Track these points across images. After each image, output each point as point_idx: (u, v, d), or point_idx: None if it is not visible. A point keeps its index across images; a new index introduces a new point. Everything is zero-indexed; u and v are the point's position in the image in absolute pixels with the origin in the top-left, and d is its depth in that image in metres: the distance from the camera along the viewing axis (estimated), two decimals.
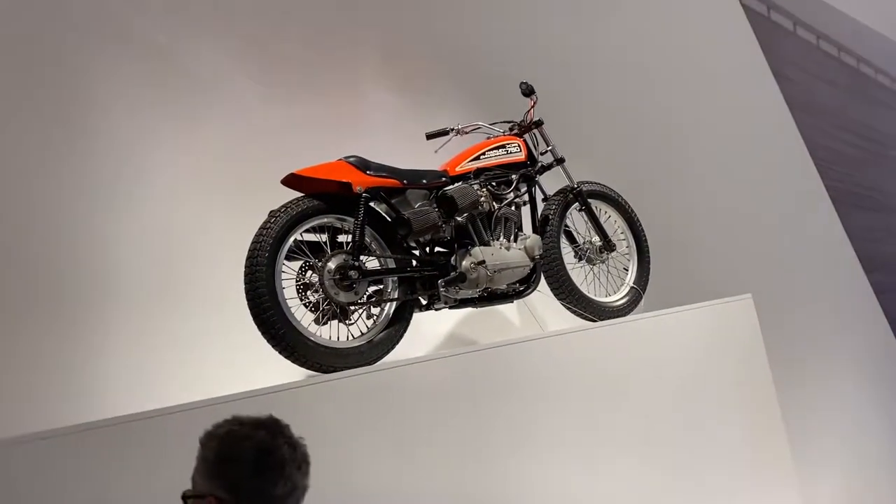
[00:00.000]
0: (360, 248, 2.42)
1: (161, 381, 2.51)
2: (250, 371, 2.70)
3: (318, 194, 2.44)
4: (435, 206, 2.66)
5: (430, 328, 3.14)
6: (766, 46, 6.21)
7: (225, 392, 2.55)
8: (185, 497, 1.30)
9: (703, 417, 3.11)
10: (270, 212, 2.39)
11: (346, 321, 2.46)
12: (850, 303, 5.95)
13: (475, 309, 3.05)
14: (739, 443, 3.21)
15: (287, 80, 3.19)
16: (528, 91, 3.10)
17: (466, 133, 3.18)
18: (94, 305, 2.45)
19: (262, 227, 2.30)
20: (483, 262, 2.64)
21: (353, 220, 2.47)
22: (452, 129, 3.15)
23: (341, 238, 2.53)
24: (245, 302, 2.26)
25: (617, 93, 4.67)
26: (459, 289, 2.62)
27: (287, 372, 2.57)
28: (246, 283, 2.25)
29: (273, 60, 3.18)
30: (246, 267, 2.26)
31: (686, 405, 3.07)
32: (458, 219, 2.69)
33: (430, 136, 3.19)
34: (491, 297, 2.79)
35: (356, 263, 2.39)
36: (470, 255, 2.68)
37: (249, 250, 2.28)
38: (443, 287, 2.60)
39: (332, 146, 3.14)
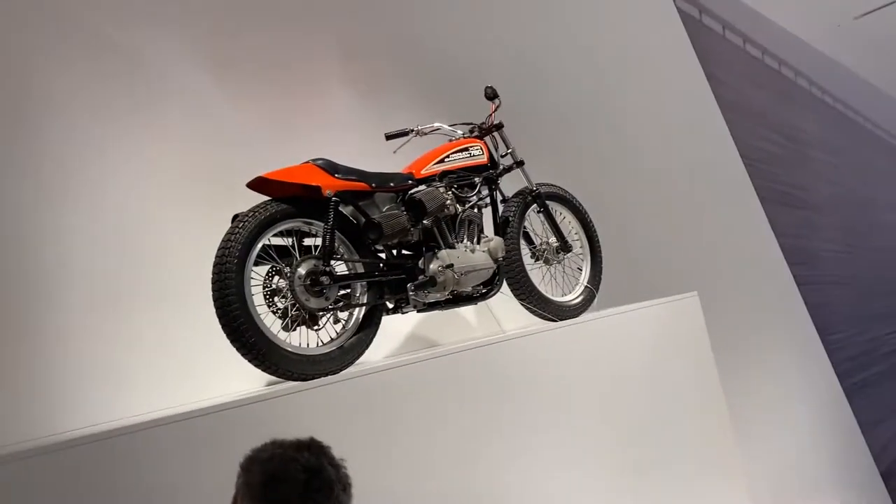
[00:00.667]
0: (330, 252, 2.39)
1: (116, 390, 2.42)
2: (212, 378, 2.65)
3: (286, 198, 2.39)
4: (403, 209, 2.65)
5: (395, 329, 3.14)
6: (697, 49, 6.45)
7: (189, 399, 2.49)
8: None
9: (655, 412, 3.23)
10: (236, 216, 2.33)
11: (315, 327, 2.43)
12: (775, 294, 6.29)
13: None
14: (690, 435, 3.35)
15: (248, 78, 3.11)
16: (492, 95, 3.13)
17: (425, 134, 3.18)
18: (47, 310, 2.33)
19: (230, 233, 2.24)
20: (451, 265, 2.66)
21: (321, 223, 2.43)
22: (412, 130, 3.15)
23: (307, 241, 2.49)
24: (210, 306, 2.20)
25: (558, 95, 4.74)
26: (429, 292, 2.63)
27: (252, 379, 2.52)
28: (214, 291, 2.19)
29: (234, 57, 3.09)
30: (214, 273, 2.20)
31: (639, 400, 3.18)
32: (426, 222, 2.69)
33: (389, 137, 3.18)
34: (457, 300, 2.81)
35: (327, 269, 2.36)
36: (437, 258, 2.69)
37: (217, 256, 2.21)
38: (412, 291, 2.60)
39: (294, 146, 3.10)
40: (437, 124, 3.20)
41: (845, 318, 7.51)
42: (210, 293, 2.20)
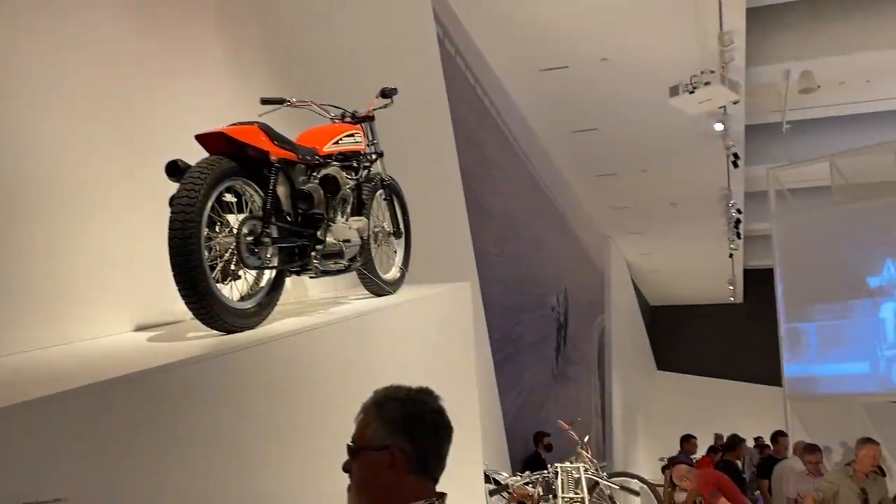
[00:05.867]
0: (270, 215, 2.53)
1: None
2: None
3: (232, 155, 2.45)
4: (317, 182, 2.87)
5: None
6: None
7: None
8: (357, 449, 1.52)
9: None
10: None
11: (230, 282, 2.53)
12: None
13: None
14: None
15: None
16: (388, 94, 3.45)
17: (296, 107, 3.37)
18: None
19: (192, 181, 2.26)
20: (349, 239, 2.97)
21: (253, 184, 2.55)
22: (287, 101, 3.31)
23: (228, 198, 2.56)
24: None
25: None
26: (332, 262, 2.90)
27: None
28: (177, 239, 2.21)
29: None
30: (177, 221, 2.22)
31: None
32: (330, 197, 2.95)
33: (265, 102, 3.30)
34: (340, 270, 3.10)
35: (268, 230, 2.50)
36: (331, 231, 2.97)
37: (181, 204, 2.23)
38: (317, 259, 2.84)
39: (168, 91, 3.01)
40: (308, 100, 3.41)
41: (496, 308, 9.33)
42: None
